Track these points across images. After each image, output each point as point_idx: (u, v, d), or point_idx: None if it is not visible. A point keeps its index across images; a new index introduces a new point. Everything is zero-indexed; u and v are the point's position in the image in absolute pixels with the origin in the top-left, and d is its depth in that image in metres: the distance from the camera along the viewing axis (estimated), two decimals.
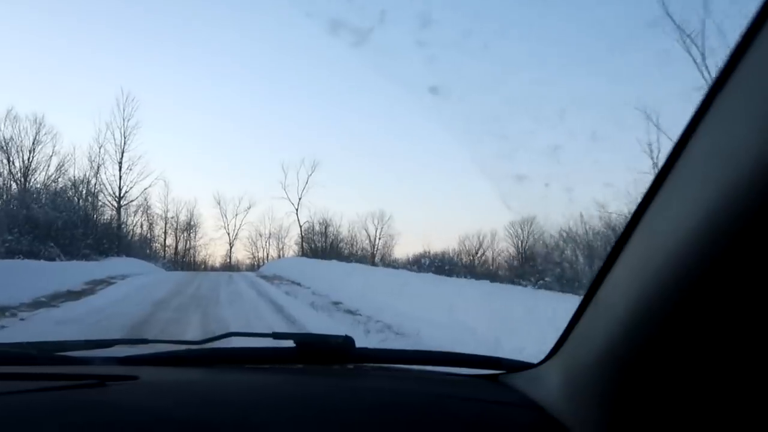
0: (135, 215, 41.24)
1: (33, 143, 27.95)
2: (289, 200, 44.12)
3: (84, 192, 28.44)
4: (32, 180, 27.56)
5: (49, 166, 28.32)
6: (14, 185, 25.86)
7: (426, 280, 11.19)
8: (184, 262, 46.75)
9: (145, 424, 0.71)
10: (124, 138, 30.95)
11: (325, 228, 46.74)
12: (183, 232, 48.08)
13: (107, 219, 30.02)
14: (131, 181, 31.69)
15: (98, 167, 29.74)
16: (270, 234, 50.37)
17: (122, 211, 31.21)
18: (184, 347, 1.15)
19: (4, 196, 23.81)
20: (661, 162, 0.56)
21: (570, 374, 0.76)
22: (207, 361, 1.06)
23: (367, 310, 9.37)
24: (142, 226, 42.28)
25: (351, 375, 1.06)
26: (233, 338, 1.21)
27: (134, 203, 33.55)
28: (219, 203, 48.98)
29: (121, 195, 30.85)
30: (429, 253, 35.59)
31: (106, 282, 14.59)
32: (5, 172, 26.90)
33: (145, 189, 33.34)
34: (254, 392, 0.87)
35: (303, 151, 62.84)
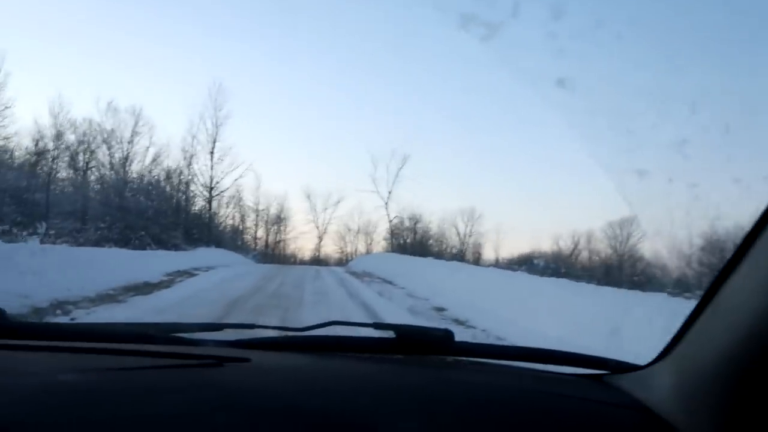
0: (227, 207, 42.14)
1: (131, 134, 28.59)
2: (378, 194, 42.66)
3: (177, 182, 28.64)
4: (129, 170, 28.15)
5: (145, 157, 28.85)
6: (113, 175, 26.26)
7: (556, 285, 8.97)
8: (273, 254, 47.00)
9: (258, 405, 0.73)
10: (216, 128, 30.82)
11: (414, 224, 45.25)
12: (273, 225, 48.37)
13: (199, 209, 30.12)
14: (222, 172, 31.63)
15: (191, 157, 29.94)
16: (358, 229, 49.86)
17: (214, 201, 31.19)
18: (289, 333, 1.16)
19: (101, 186, 24.09)
20: None
21: (684, 376, 0.76)
22: (312, 347, 1.08)
23: (481, 322, 7.42)
24: (233, 218, 43.15)
25: (451, 368, 1.05)
26: (335, 326, 1.19)
27: (226, 194, 33.57)
28: (308, 197, 48.87)
29: (213, 185, 30.76)
30: (539, 252, 32.71)
31: (188, 273, 13.65)
32: (106, 163, 27.63)
33: (236, 180, 33.02)
34: (357, 380, 0.89)
35: (393, 144, 60.78)
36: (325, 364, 0.97)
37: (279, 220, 48.21)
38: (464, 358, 1.08)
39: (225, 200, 40.36)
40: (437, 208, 70.74)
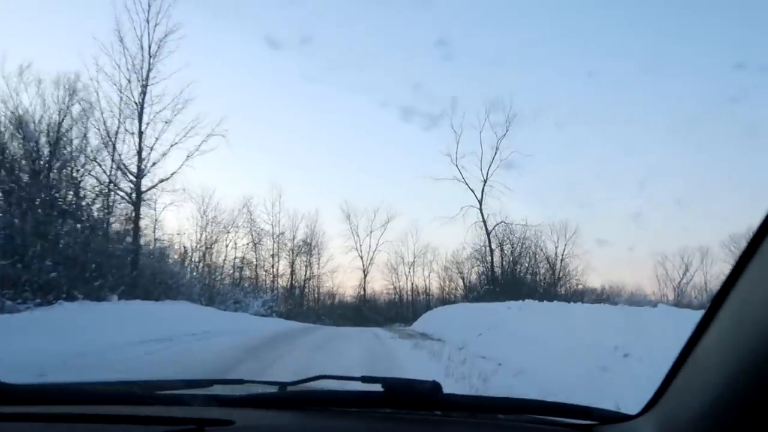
0: (228, 230, 29.36)
1: (60, 117, 15.80)
2: (466, 184, 28.65)
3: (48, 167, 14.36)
4: (58, 176, 15.42)
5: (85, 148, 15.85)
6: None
7: None
8: (300, 297, 33.81)
9: None
10: (150, 59, 16.37)
11: (501, 244, 31.05)
12: (298, 255, 35.09)
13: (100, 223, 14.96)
14: (161, 144, 15.92)
15: (118, 125, 15.45)
16: (414, 258, 36.32)
17: (143, 204, 15.41)
18: (276, 389, 1.18)
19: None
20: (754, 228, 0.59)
21: (667, 429, 0.76)
22: (299, 403, 1.09)
23: None
24: (234, 246, 30.12)
25: (439, 423, 1.05)
26: (323, 381, 1.22)
27: (177, 191, 16.96)
28: (348, 217, 35.79)
29: (142, 169, 15.21)
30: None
31: None
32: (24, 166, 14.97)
33: (187, 158, 16.79)
34: None
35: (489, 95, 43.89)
36: (311, 422, 0.99)
37: (308, 248, 35.14)
38: (452, 412, 1.07)
39: (225, 219, 27.79)
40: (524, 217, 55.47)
